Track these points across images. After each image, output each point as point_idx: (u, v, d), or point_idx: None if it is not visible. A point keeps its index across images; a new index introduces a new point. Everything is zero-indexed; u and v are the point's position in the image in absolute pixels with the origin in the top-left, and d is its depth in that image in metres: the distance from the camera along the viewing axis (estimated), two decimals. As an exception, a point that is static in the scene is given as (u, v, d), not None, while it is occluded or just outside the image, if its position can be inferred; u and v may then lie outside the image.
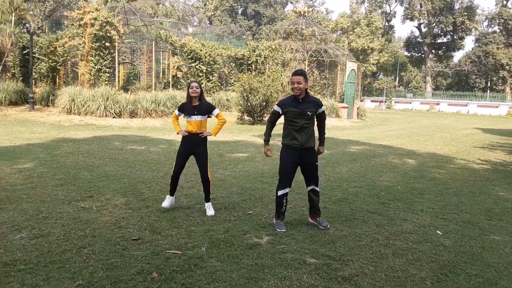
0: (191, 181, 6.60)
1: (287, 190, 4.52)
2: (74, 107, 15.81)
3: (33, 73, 18.13)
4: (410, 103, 45.32)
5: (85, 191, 5.75)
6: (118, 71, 18.78)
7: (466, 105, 41.57)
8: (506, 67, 46.03)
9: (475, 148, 12.79)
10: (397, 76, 57.16)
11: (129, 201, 5.34)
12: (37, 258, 3.49)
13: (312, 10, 27.35)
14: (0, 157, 7.89)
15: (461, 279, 3.46)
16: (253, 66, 22.84)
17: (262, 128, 16.19)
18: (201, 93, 4.96)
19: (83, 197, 5.45)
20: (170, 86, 20.34)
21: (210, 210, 4.95)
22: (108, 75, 17.47)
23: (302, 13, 25.58)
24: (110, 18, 17.02)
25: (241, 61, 23.37)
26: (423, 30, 53.42)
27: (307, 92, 4.47)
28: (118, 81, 18.67)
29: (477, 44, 54.13)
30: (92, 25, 16.75)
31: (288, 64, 23.84)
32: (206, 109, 4.94)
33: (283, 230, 4.42)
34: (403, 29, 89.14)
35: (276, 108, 4.55)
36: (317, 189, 4.59)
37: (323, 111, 4.54)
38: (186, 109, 4.97)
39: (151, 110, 16.71)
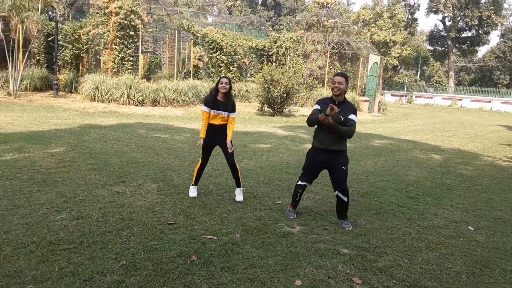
0: (218, 170, 6.69)
1: (305, 183, 4.54)
2: (97, 94, 16.05)
3: (57, 60, 18.45)
4: (431, 98, 44.55)
5: (117, 176, 5.89)
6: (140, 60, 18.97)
7: (490, 102, 40.69)
8: (532, 63, 44.74)
9: (501, 146, 12.56)
10: (418, 70, 56.19)
11: (161, 187, 5.46)
12: (79, 239, 3.62)
13: (334, 1, 27.00)
14: (31, 141, 8.11)
15: (496, 274, 3.46)
16: (273, 57, 22.77)
17: (282, 120, 16.19)
18: (230, 89, 4.96)
19: (116, 182, 5.59)
20: (191, 76, 20.46)
21: (239, 196, 5.06)
22: (131, 63, 17.66)
23: (324, 4, 25.32)
24: (134, 7, 17.15)
25: (261, 52, 23.32)
26: (448, 23, 52.26)
27: (345, 97, 4.36)
28: (141, 69, 18.86)
29: (502, 39, 52.73)
30: (117, 13, 16.90)
31: (309, 56, 23.67)
32: (231, 108, 4.98)
33: (291, 216, 4.55)
34: (427, 22, 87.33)
35: (315, 106, 4.42)
36: (343, 197, 4.34)
37: (352, 119, 4.22)
38: (212, 102, 4.94)
39: (172, 99, 16.86)
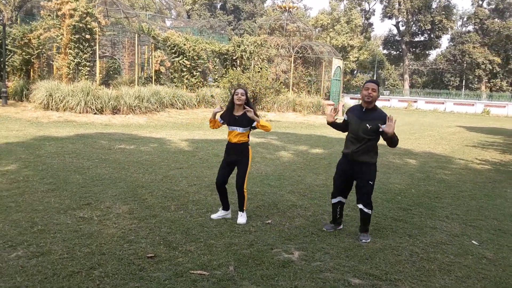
0: (195, 185, 6.11)
1: (338, 199, 4.38)
2: (51, 102, 14.87)
3: (6, 66, 17.03)
4: (388, 100, 45.79)
5: (81, 197, 5.18)
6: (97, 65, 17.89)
7: (443, 103, 42.33)
8: (481, 66, 47.12)
9: (467, 147, 12.76)
10: (374, 74, 57.74)
11: (133, 209, 4.82)
12: (41, 284, 2.96)
13: (295, 6, 27.11)
14: (-23, 158, 7.16)
15: (519, 298, 3.16)
16: (238, 61, 22.33)
17: (251, 126, 15.76)
18: (247, 101, 4.47)
19: (80, 204, 4.88)
20: (153, 81, 19.60)
21: (241, 218, 4.57)
22: (88, 69, 16.58)
23: (287, 8, 25.22)
24: (90, 9, 16.13)
25: (225, 56, 22.81)
26: (401, 28, 54.11)
27: (376, 105, 4.15)
28: (98, 75, 17.79)
29: (452, 43, 55.25)
30: (71, 16, 15.82)
31: (273, 60, 23.43)
32: (248, 121, 4.44)
33: (329, 229, 4.40)
34: (381, 27, 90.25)
35: (344, 116, 4.34)
36: (366, 211, 4.15)
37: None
38: (227, 117, 4.53)
39: (134, 106, 15.95)
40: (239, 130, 4.44)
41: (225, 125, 4.61)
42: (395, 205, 5.56)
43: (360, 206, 4.18)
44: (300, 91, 23.30)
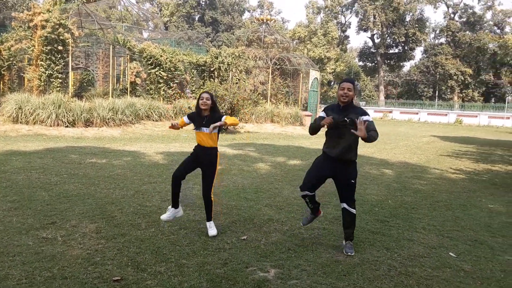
0: (168, 200, 5.88)
1: (306, 193, 4.26)
2: (21, 115, 14.39)
3: (-26, 78, 16.45)
4: (365, 111, 46.49)
5: (45, 216, 4.90)
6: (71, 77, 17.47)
7: (417, 113, 43.28)
8: (454, 77, 48.52)
9: (442, 157, 12.94)
10: (351, 85, 58.59)
11: (100, 228, 4.58)
12: (-8, 316, 2.71)
13: (273, 19, 27.49)
14: None
15: (498, 312, 3.09)
16: (215, 73, 22.22)
17: (229, 138, 15.60)
18: (213, 105, 4.48)
19: (44, 224, 4.61)
20: (128, 93, 19.26)
21: (212, 230, 4.46)
22: (60, 81, 16.15)
23: (264, 21, 25.40)
24: (63, 20, 15.77)
25: (203, 68, 22.67)
26: (376, 41, 55.32)
27: (352, 101, 4.10)
28: (71, 87, 17.35)
29: (425, 55, 56.82)
30: (43, 27, 15.43)
31: (251, 72, 23.45)
32: (216, 121, 4.40)
33: (307, 223, 4.55)
34: (357, 40, 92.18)
35: (321, 113, 4.25)
36: (351, 210, 4.16)
37: (368, 120, 3.92)
38: (196, 119, 4.52)
39: (108, 119, 15.58)
40: (205, 130, 4.42)
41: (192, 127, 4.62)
42: (372, 217, 5.49)
43: (345, 205, 4.16)
44: (278, 102, 23.34)
